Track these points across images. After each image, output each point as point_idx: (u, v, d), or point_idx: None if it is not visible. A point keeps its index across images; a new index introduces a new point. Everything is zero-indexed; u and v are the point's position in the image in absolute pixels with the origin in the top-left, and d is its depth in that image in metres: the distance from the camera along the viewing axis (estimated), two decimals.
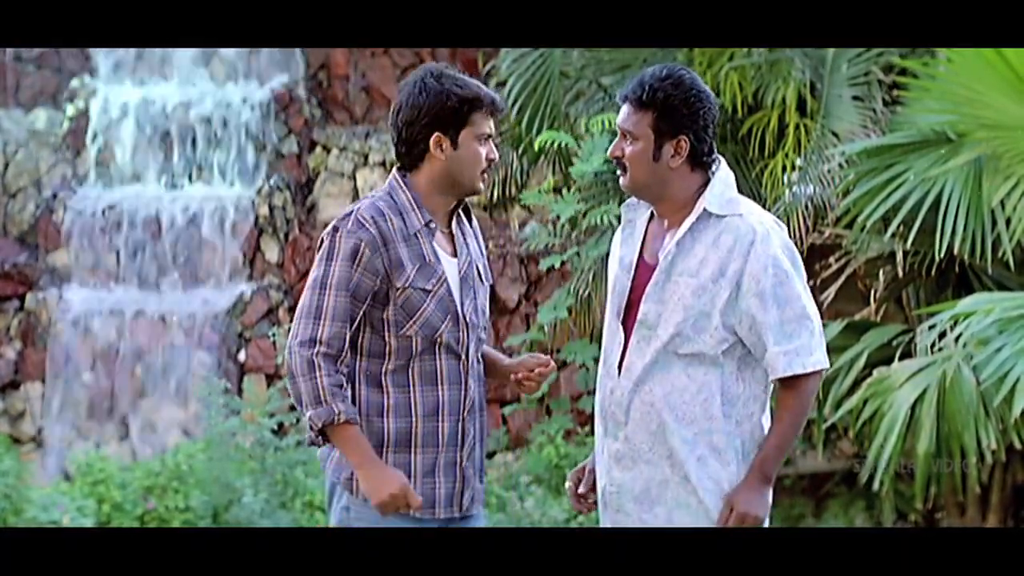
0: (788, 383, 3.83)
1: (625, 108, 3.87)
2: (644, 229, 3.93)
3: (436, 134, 3.86)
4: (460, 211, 3.98)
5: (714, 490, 3.82)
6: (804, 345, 3.80)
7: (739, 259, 3.79)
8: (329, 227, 3.86)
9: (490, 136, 3.91)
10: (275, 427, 8.49)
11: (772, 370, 3.83)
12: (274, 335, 8.88)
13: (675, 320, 3.80)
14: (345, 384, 3.81)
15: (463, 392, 3.89)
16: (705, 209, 3.82)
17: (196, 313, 10.19)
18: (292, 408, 8.38)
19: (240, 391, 9.74)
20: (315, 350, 3.78)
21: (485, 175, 3.92)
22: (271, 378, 9.86)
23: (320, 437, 3.82)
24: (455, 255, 3.92)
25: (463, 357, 3.88)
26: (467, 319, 3.88)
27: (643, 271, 3.89)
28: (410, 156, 3.91)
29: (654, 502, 3.83)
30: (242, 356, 10.09)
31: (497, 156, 3.95)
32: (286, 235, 10.42)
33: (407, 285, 3.81)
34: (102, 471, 8.24)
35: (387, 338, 3.84)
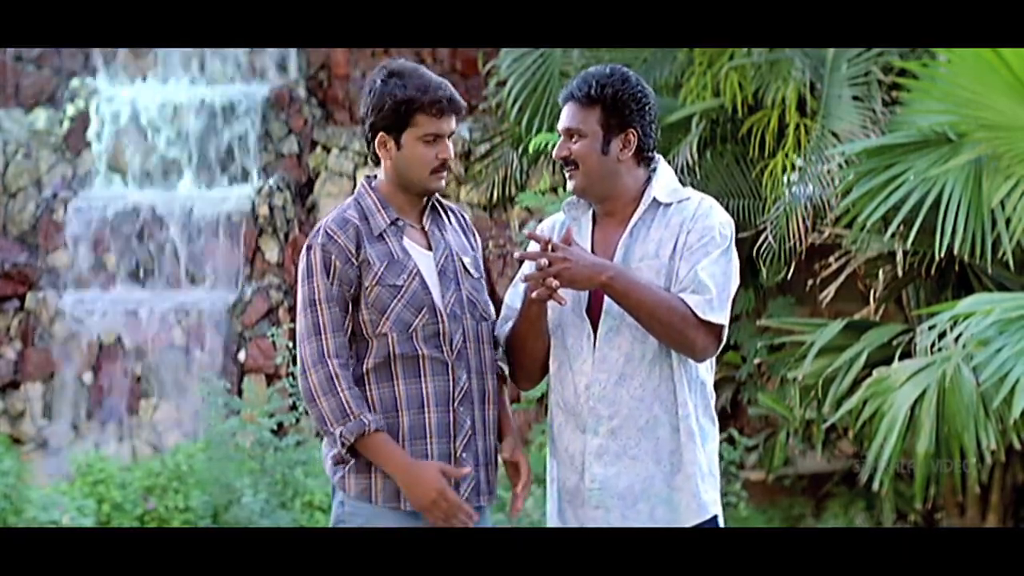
0: None
1: (569, 108, 3.92)
2: (591, 228, 3.97)
3: (380, 135, 3.91)
4: (435, 204, 4.00)
5: (698, 474, 3.86)
6: (706, 300, 3.78)
7: (684, 232, 3.85)
8: (304, 246, 3.91)
9: (439, 136, 3.89)
10: (275, 427, 8.50)
11: None
12: (274, 335, 8.88)
13: None
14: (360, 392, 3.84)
15: (450, 383, 3.89)
16: (655, 199, 3.89)
17: (196, 313, 10.19)
18: (292, 408, 8.38)
19: (240, 391, 9.75)
20: (330, 364, 3.81)
21: (438, 174, 3.91)
22: (271, 378, 9.86)
23: (349, 453, 3.83)
24: (430, 249, 3.93)
25: (447, 348, 3.89)
26: (446, 311, 3.89)
27: None
28: (371, 154, 3.98)
29: (637, 498, 3.87)
30: (242, 356, 10.09)
31: (451, 155, 3.94)
32: (286, 235, 10.42)
33: (376, 282, 3.84)
34: (102, 471, 8.24)
35: (367, 337, 3.86)
